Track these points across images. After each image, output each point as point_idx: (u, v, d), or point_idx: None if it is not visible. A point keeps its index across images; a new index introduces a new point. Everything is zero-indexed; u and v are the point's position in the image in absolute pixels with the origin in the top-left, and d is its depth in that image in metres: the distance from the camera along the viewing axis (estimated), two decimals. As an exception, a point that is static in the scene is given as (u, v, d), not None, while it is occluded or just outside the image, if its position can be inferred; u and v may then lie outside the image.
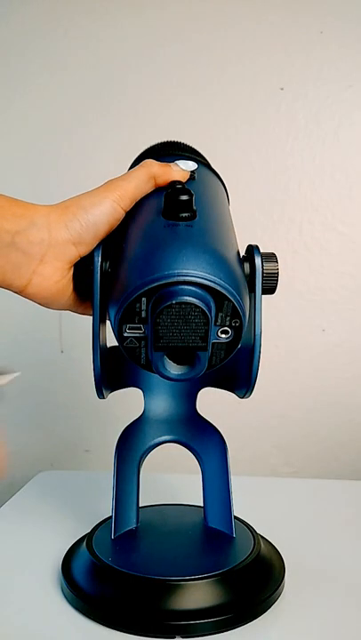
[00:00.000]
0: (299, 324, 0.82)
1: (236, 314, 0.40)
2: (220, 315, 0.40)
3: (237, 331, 0.41)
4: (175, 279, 0.38)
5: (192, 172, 0.47)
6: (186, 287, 0.38)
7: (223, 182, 0.54)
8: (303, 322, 0.82)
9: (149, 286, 0.38)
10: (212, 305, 0.39)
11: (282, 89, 0.79)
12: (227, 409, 0.72)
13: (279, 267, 0.45)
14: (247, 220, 0.80)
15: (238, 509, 0.54)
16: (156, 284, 0.38)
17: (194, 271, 0.38)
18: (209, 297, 0.39)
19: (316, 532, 0.60)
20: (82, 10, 0.80)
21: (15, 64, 0.81)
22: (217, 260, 0.40)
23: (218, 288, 0.39)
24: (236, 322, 0.40)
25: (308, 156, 0.79)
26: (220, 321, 0.40)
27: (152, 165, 0.46)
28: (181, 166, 0.47)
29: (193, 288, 0.38)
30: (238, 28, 0.78)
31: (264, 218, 0.80)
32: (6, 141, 0.83)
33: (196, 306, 0.38)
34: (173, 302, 0.38)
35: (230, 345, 0.41)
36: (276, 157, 0.80)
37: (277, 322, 0.81)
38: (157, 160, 0.47)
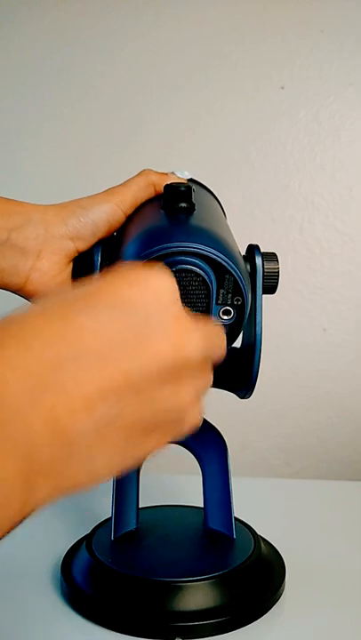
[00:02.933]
0: (299, 323, 0.82)
1: (237, 290, 0.40)
2: (221, 292, 0.40)
3: (239, 311, 0.41)
4: (175, 249, 0.39)
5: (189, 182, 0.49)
6: (186, 257, 0.39)
7: (220, 202, 0.54)
8: (303, 322, 0.82)
9: (149, 258, 0.39)
10: (213, 278, 0.39)
11: (282, 88, 0.78)
12: (227, 409, 0.72)
13: (279, 266, 0.45)
14: (247, 220, 0.80)
15: (238, 510, 0.54)
16: (155, 255, 0.39)
17: (194, 243, 0.39)
18: (210, 269, 0.39)
19: (317, 532, 0.60)
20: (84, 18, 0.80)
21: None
22: (217, 237, 0.40)
23: (218, 259, 0.39)
24: (237, 300, 0.40)
25: (308, 155, 0.79)
26: (221, 299, 0.40)
27: (150, 173, 0.48)
28: (177, 174, 0.49)
29: (193, 259, 0.39)
30: (239, 26, 0.78)
31: (264, 217, 0.80)
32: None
33: (197, 274, 0.38)
34: (173, 270, 0.38)
35: (233, 329, 0.41)
36: (277, 157, 0.79)
37: (277, 322, 0.81)
38: None
